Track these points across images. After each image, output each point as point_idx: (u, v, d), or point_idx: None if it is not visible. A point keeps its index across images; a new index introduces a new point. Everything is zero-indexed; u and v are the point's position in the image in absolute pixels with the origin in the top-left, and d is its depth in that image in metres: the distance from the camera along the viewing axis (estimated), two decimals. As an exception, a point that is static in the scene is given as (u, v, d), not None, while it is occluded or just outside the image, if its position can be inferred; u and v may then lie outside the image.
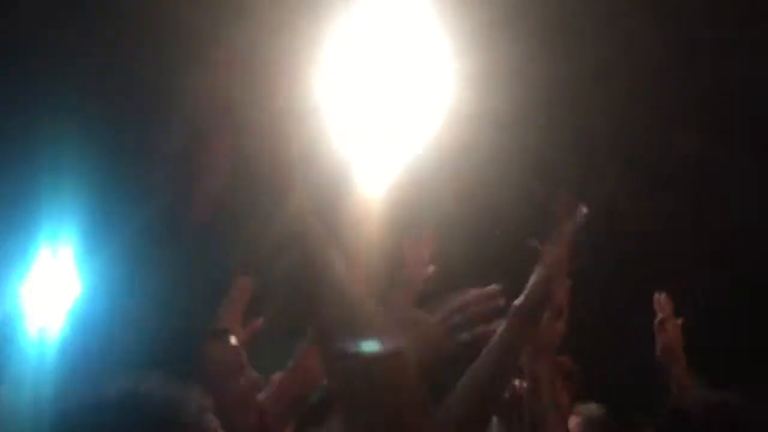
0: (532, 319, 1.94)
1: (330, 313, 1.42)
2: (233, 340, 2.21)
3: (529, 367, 2.49)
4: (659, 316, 2.94)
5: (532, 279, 1.93)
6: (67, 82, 5.69)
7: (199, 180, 1.51)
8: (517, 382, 3.29)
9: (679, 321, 2.95)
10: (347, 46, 1.93)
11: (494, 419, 2.82)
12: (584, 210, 1.97)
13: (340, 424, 1.76)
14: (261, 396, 2.23)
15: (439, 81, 1.97)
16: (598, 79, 6.24)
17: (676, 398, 2.18)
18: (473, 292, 1.83)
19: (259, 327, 2.60)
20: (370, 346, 1.35)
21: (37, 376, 1.15)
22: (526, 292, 1.93)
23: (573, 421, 3.31)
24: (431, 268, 2.78)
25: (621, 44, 6.01)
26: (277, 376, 2.45)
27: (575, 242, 1.95)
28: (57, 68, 5.73)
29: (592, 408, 3.56)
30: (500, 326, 1.89)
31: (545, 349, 2.44)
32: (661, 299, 2.98)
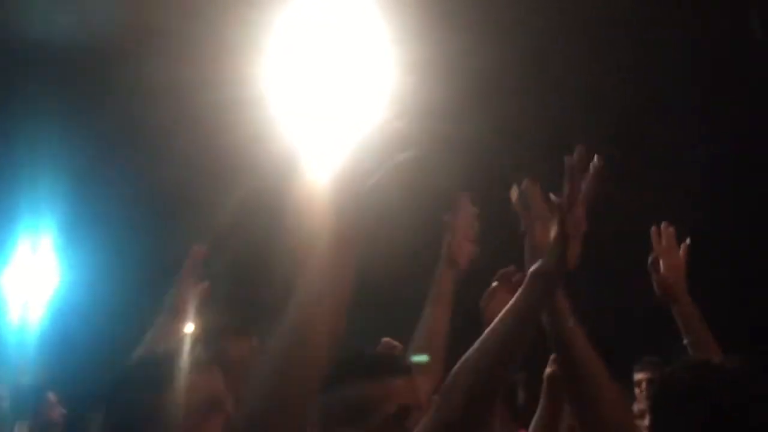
0: (551, 284, 1.77)
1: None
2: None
3: None
4: (653, 252, 2.58)
5: (551, 242, 1.77)
6: (47, 77, 5.62)
7: None
8: None
9: (681, 248, 2.58)
10: (291, 33, 1.94)
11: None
12: (599, 164, 1.79)
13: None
14: None
15: (382, 69, 1.98)
16: (536, 70, 6.33)
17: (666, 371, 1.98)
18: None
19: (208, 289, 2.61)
20: None
21: (18, 362, 1.16)
22: (545, 256, 1.77)
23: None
24: (474, 246, 2.63)
25: (560, 36, 6.10)
26: None
27: (590, 202, 1.78)
28: (38, 66, 5.65)
29: None
30: (517, 293, 1.76)
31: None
32: (659, 231, 2.59)
